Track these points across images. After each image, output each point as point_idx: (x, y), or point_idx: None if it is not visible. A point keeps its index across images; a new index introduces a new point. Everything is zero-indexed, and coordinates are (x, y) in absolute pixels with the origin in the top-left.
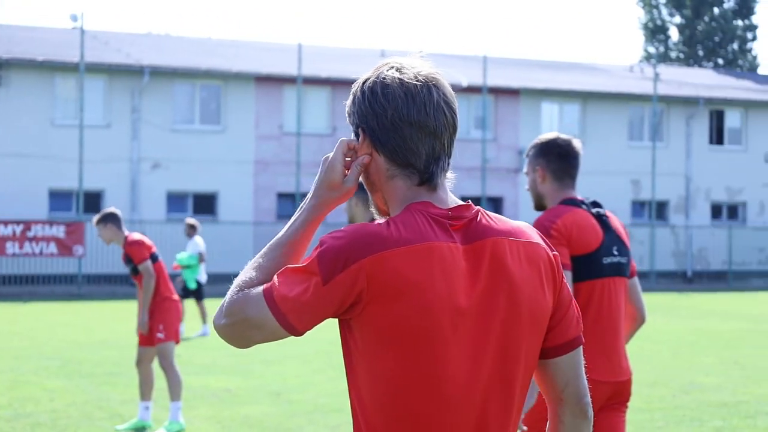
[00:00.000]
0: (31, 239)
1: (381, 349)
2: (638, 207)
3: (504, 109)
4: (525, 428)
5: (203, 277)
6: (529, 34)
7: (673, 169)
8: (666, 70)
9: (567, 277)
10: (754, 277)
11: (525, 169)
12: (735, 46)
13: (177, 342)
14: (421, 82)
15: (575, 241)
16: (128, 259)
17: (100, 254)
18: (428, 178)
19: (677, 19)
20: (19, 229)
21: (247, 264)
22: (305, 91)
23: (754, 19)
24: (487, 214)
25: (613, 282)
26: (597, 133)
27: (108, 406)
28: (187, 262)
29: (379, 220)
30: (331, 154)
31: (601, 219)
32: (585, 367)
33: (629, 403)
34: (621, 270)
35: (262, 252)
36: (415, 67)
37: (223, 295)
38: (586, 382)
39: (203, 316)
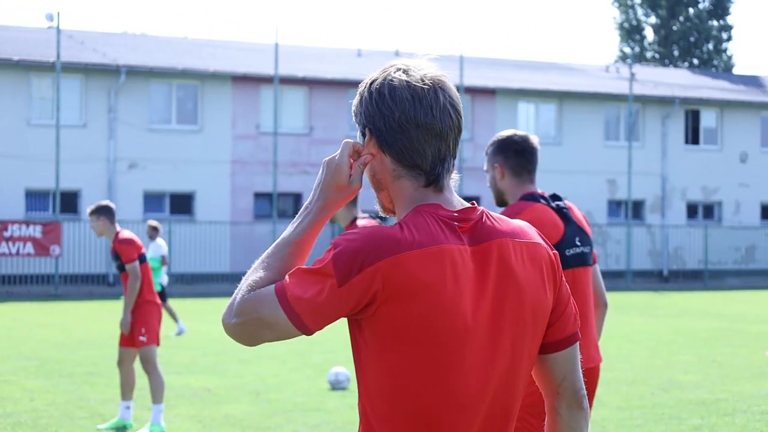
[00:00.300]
0: (7, 239)
1: (391, 348)
2: (614, 206)
3: (480, 109)
4: None
5: (164, 279)
6: (506, 34)
7: (649, 169)
8: (642, 70)
9: None
10: (729, 276)
11: (485, 167)
12: (710, 46)
13: (158, 344)
14: (428, 84)
15: None
16: (116, 256)
17: (77, 254)
18: (434, 180)
19: (653, 19)
20: None
21: (254, 263)
22: (282, 91)
23: (729, 19)
24: (491, 215)
25: (578, 272)
26: (573, 133)
27: (88, 406)
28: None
29: (364, 218)
30: (335, 156)
31: (562, 212)
32: None
33: (612, 402)
34: (584, 260)
35: (269, 252)
36: (421, 69)
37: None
38: (581, 375)
39: (173, 315)
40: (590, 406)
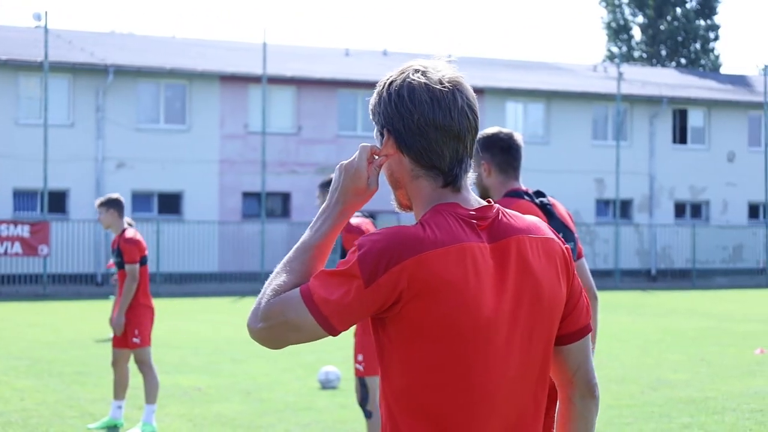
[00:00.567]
0: None
1: (416, 345)
2: (602, 206)
3: None
4: None
5: None
6: (494, 33)
7: (636, 168)
8: (629, 70)
9: None
10: (717, 275)
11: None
12: (697, 45)
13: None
14: (447, 86)
15: None
16: (119, 252)
17: (65, 254)
18: (452, 180)
19: (640, 18)
20: None
21: (276, 267)
22: (270, 91)
23: (717, 19)
24: (506, 213)
25: None
26: (561, 133)
27: (78, 405)
28: None
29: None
30: (353, 160)
31: (545, 208)
32: None
33: (602, 400)
34: None
35: (289, 256)
36: (439, 70)
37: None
38: (593, 365)
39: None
40: None
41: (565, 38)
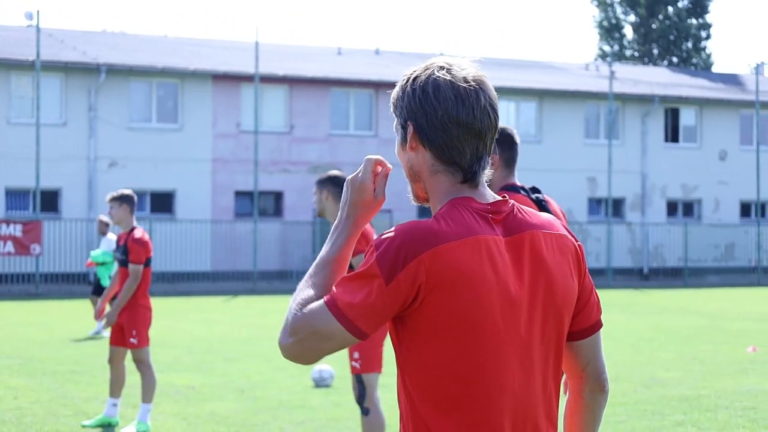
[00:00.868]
0: None
1: (432, 338)
2: (595, 204)
3: None
4: None
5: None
6: (486, 32)
7: (629, 167)
8: (621, 69)
9: None
10: (709, 274)
11: None
12: (689, 44)
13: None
14: (471, 85)
15: None
16: (125, 250)
17: (58, 253)
18: (471, 177)
19: (632, 17)
20: None
21: (300, 282)
22: (262, 89)
23: (708, 17)
24: (521, 209)
25: None
26: (553, 131)
27: (72, 404)
28: (101, 259)
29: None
30: (358, 174)
31: (540, 203)
32: None
33: None
34: None
35: (311, 272)
36: (464, 68)
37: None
38: (603, 359)
39: (98, 312)
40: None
41: (558, 37)
